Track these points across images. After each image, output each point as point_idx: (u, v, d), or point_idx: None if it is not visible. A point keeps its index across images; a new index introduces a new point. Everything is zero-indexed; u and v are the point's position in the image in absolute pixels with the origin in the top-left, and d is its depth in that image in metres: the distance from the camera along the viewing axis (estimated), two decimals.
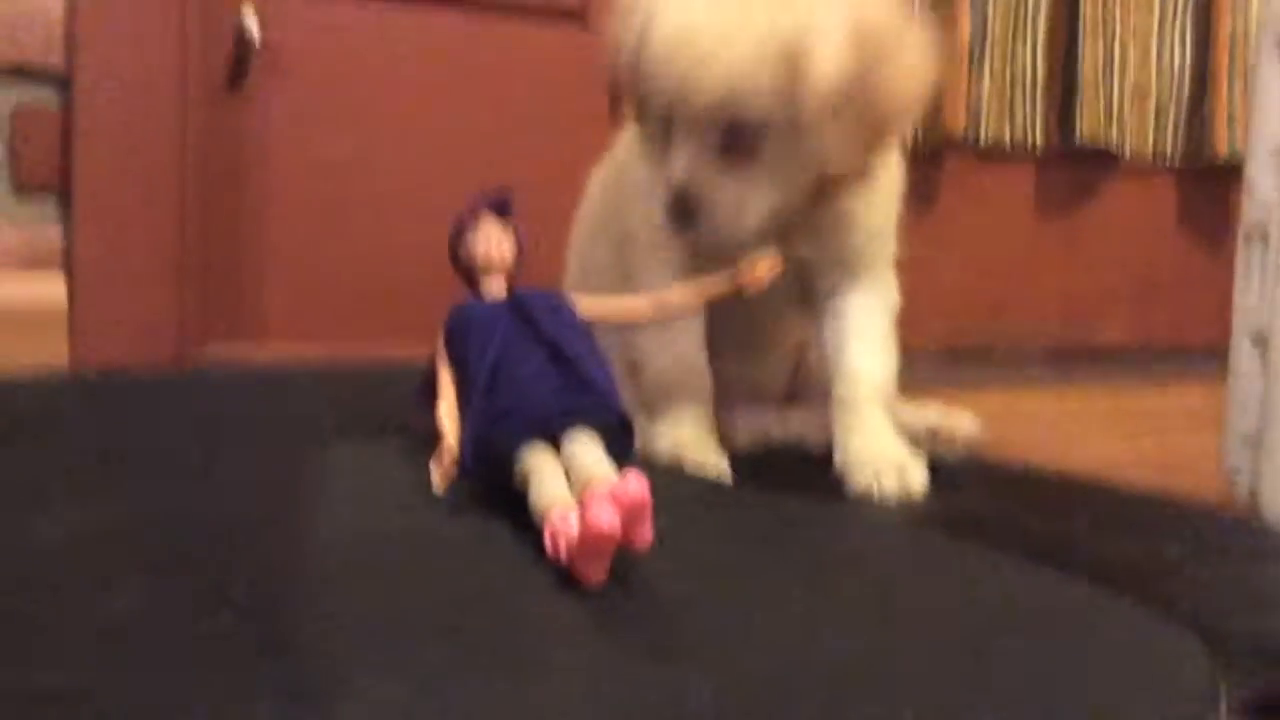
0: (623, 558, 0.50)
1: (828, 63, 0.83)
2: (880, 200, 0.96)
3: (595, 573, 0.50)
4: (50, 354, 1.35)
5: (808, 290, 0.99)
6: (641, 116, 0.92)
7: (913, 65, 0.85)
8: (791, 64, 0.83)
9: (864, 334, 0.97)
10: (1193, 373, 1.84)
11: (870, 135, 0.85)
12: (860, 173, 0.87)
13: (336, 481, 0.72)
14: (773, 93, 0.83)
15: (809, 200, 0.90)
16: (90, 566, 0.52)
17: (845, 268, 0.97)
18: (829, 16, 0.84)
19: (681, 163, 0.87)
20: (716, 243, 0.89)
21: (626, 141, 1.02)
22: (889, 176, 0.96)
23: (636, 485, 0.50)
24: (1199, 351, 2.02)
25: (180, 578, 0.51)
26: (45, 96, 1.40)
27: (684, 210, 0.87)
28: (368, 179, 1.64)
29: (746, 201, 0.88)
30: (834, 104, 0.83)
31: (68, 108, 1.40)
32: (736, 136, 0.86)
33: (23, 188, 1.40)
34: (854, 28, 0.83)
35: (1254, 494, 0.92)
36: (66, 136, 1.40)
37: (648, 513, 0.50)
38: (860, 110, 0.83)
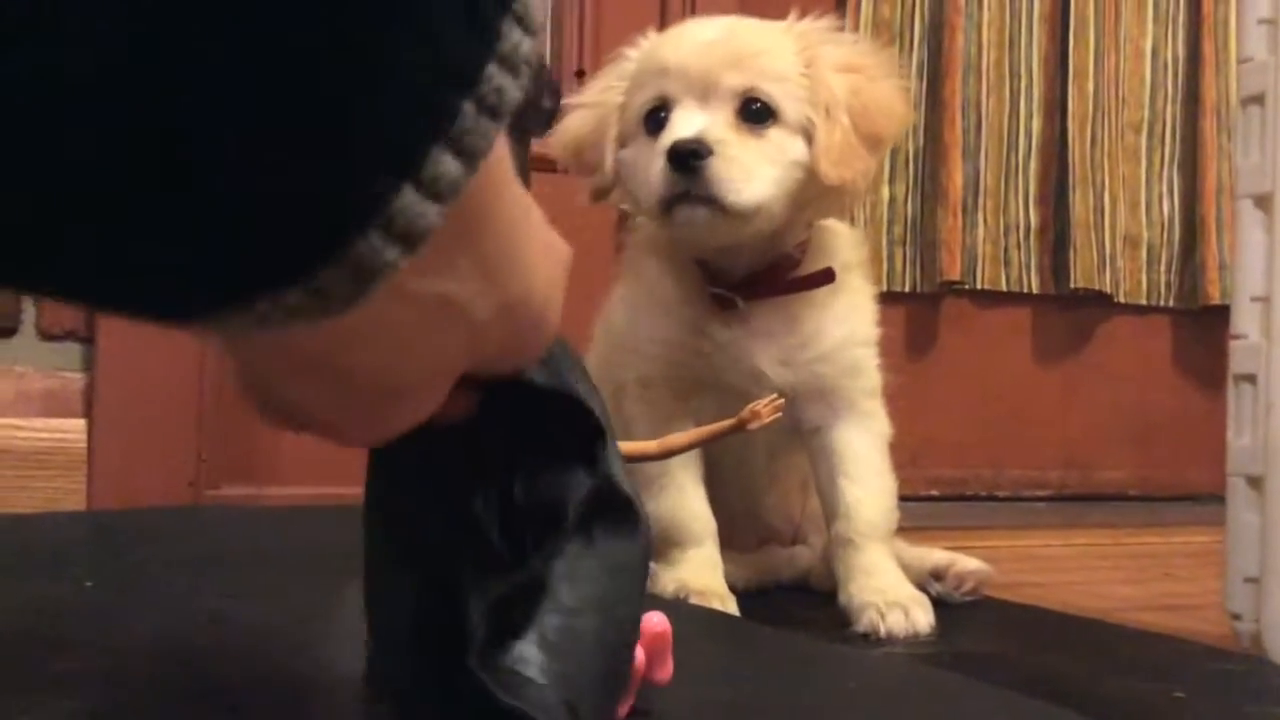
0: (644, 693, 0.52)
1: (833, 65, 0.95)
2: (842, 316, 1.00)
3: (622, 710, 0.51)
4: (69, 493, 1.37)
5: (796, 425, 1.00)
6: (626, 123, 0.99)
7: (896, 87, 0.98)
8: (806, 56, 0.95)
9: (853, 470, 0.98)
10: (1196, 513, 1.84)
11: (860, 144, 0.94)
12: (846, 184, 0.94)
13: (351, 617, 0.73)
14: (790, 73, 0.94)
15: (800, 213, 0.97)
16: (106, 699, 0.53)
17: (825, 401, 0.99)
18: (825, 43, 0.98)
19: (694, 125, 0.91)
20: (709, 213, 0.90)
21: (615, 298, 1.06)
22: (849, 302, 1.01)
23: (660, 621, 0.51)
24: (1201, 492, 2.02)
25: (202, 712, 0.52)
26: None
27: (689, 162, 0.89)
28: None
29: (758, 164, 0.92)
30: (830, 105, 0.93)
31: None
32: (751, 111, 0.93)
33: (48, 334, 1.44)
34: (842, 60, 0.96)
35: (1257, 635, 0.92)
36: None
37: (669, 649, 0.51)
38: (853, 119, 0.93)
